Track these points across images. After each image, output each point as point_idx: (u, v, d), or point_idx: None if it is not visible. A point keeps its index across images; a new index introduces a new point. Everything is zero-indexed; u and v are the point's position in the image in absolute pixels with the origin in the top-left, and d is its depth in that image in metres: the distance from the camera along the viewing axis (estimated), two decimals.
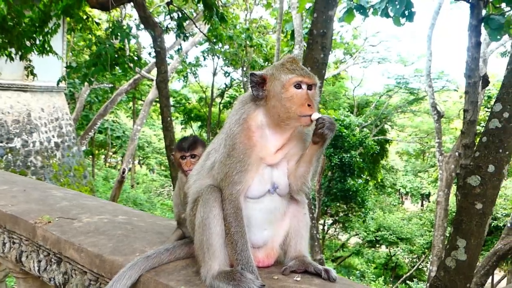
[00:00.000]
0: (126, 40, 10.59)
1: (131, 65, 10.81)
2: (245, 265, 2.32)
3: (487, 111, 25.22)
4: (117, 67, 10.38)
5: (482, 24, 9.80)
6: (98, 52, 9.60)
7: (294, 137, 2.50)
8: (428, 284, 13.68)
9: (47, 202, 4.01)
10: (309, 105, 2.38)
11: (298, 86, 2.42)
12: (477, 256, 5.74)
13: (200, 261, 2.41)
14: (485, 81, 12.29)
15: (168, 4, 11.55)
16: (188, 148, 3.08)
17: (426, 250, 30.02)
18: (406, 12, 10.51)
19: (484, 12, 9.93)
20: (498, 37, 10.59)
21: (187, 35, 11.80)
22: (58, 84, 12.43)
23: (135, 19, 26.50)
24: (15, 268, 3.69)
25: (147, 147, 43.50)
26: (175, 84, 36.86)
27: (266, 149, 2.45)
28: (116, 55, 9.90)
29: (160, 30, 10.13)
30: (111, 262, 2.71)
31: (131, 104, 37.43)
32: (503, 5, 10.36)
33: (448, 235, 20.88)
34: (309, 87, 2.45)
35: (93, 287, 2.88)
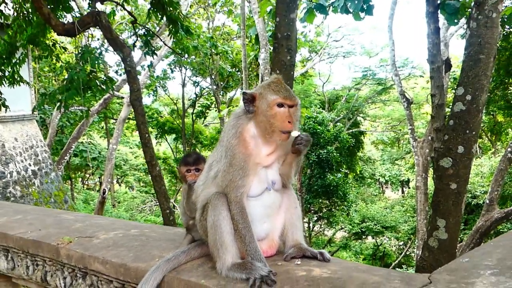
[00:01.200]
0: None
1: (103, 87, 10.91)
2: (254, 254, 2.65)
3: (454, 93, 25.72)
4: (89, 90, 10.50)
5: (439, 10, 10.06)
6: (71, 77, 9.67)
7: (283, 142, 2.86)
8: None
9: (62, 225, 4.26)
10: (289, 122, 2.76)
11: (280, 105, 2.79)
12: (457, 234, 6.00)
13: (215, 257, 2.75)
14: (448, 64, 12.58)
15: (133, 23, 11.63)
16: (193, 162, 3.47)
17: (411, 236, 30.41)
18: (365, 6, 10.73)
19: None
20: (456, 21, 10.89)
21: (155, 51, 11.89)
22: (33, 112, 12.43)
23: (98, 39, 26.43)
24: None
25: (124, 165, 43.18)
26: (145, 99, 36.60)
27: (260, 154, 2.84)
28: (87, 79, 10.01)
29: (128, 50, 10.21)
30: (135, 269, 3.02)
31: (103, 123, 37.17)
32: None
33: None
34: (291, 106, 2.82)
35: None
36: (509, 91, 21.49)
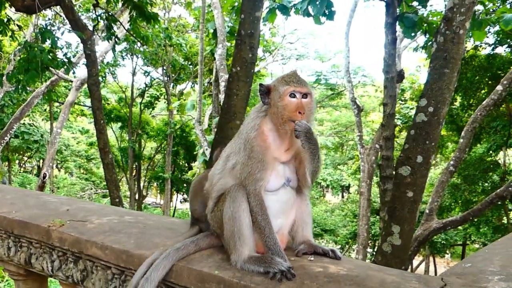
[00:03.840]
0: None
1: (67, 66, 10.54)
2: (273, 246, 2.64)
3: (401, 104, 26.50)
4: (47, 71, 10.14)
5: (397, 22, 10.32)
6: (33, 56, 9.25)
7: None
8: None
9: (48, 207, 4.09)
10: (300, 112, 2.72)
11: (292, 95, 2.75)
12: (410, 240, 6.20)
13: (231, 249, 2.70)
14: (400, 76, 12.93)
15: (94, 6, 11.33)
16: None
17: (349, 240, 31.16)
18: (327, 11, 10.90)
19: (398, 10, 10.47)
20: (413, 34, 11.23)
21: (117, 36, 11.61)
22: None
23: (49, 19, 25.60)
24: (18, 271, 3.88)
25: (65, 150, 42.09)
26: None
27: (278, 149, 2.80)
28: (47, 59, 9.62)
29: (89, 33, 9.95)
30: (139, 256, 2.93)
31: (46, 106, 36.00)
32: (415, 3, 10.98)
33: (371, 224, 21.78)
34: (304, 96, 2.78)
35: (117, 280, 3.09)
36: (454, 107, 22.31)
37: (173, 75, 33.14)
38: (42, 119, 39.86)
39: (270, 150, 2.77)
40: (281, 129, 2.76)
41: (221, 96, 14.92)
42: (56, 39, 9.95)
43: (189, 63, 32.10)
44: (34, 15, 20.66)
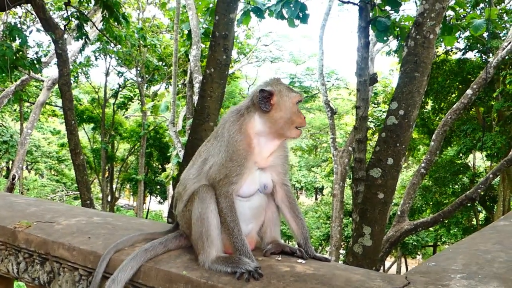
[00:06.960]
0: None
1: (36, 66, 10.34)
2: (241, 247, 2.64)
3: (374, 107, 26.81)
4: (15, 70, 9.95)
5: (370, 26, 10.44)
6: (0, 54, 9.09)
7: (281, 144, 2.90)
8: None
9: (15, 209, 4.01)
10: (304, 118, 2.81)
11: (298, 103, 2.82)
12: (381, 241, 6.27)
13: (199, 249, 2.70)
14: (373, 79, 13.04)
15: (66, 4, 11.18)
16: None
17: (322, 242, 31.32)
18: (301, 14, 10.97)
19: (371, 14, 10.58)
20: (385, 38, 11.36)
21: (88, 36, 11.45)
22: None
23: (19, 17, 25.27)
24: None
25: (36, 151, 41.48)
26: None
27: (261, 154, 2.81)
28: (14, 58, 9.44)
29: (61, 32, 9.81)
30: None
31: (16, 106, 35.41)
32: (388, 8, 11.10)
33: (344, 226, 21.96)
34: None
35: (84, 281, 3.04)
36: (425, 110, 22.67)
37: (147, 76, 32.97)
38: (12, 119, 39.21)
39: (253, 155, 2.78)
40: (279, 134, 2.81)
41: (195, 98, 14.88)
42: (25, 37, 9.76)
43: (163, 64, 31.98)
44: (3, 13, 20.39)
